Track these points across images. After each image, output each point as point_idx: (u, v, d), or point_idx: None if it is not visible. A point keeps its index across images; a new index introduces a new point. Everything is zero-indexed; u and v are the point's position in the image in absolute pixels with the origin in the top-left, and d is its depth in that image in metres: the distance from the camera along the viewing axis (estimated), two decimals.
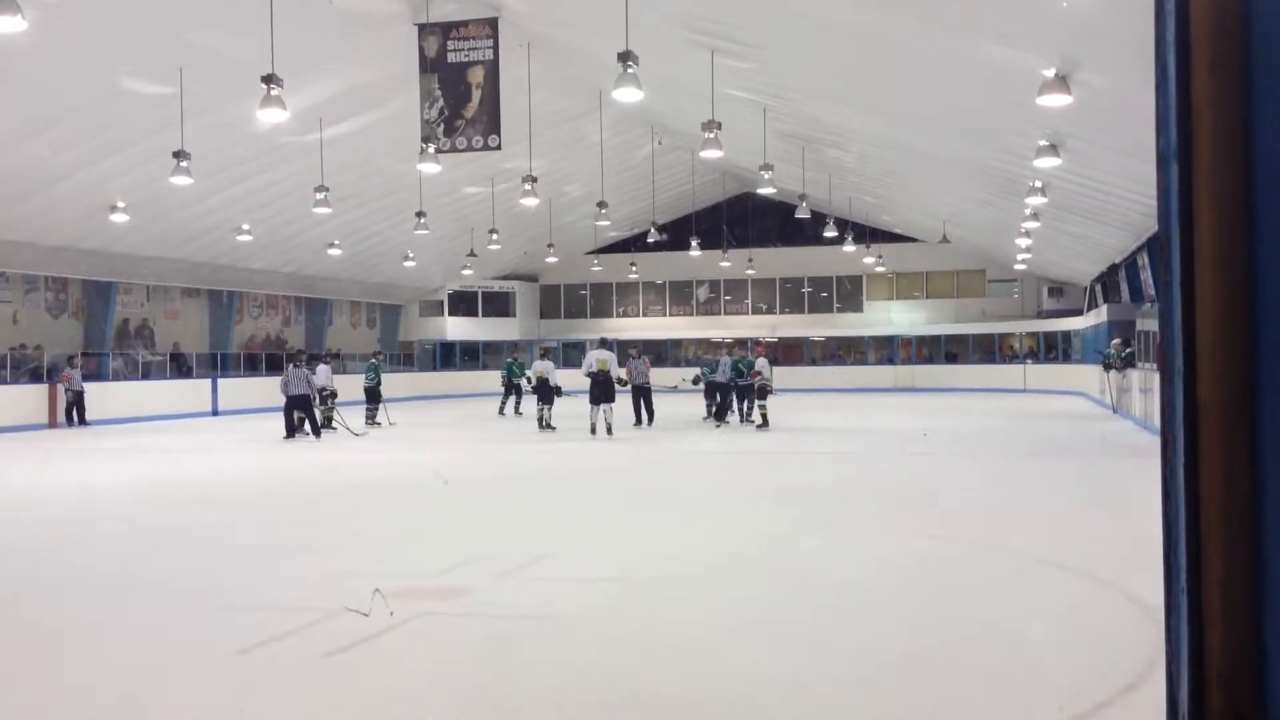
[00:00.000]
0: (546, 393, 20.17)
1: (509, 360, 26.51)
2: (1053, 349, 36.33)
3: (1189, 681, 1.58)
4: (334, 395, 20.60)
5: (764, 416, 19.59)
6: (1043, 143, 15.51)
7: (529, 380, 23.41)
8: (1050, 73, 12.10)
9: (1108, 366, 23.58)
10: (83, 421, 23.16)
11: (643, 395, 20.34)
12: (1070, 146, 15.77)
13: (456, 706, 4.47)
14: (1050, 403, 28.08)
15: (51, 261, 25.12)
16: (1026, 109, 13.44)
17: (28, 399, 23.02)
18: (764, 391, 19.88)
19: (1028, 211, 22.19)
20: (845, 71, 16.87)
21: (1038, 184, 19.01)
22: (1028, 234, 26.26)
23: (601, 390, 18.06)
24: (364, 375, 22.87)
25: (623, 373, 18.88)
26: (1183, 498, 1.57)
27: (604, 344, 19.92)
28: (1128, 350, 22.39)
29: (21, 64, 15.34)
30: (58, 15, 14.26)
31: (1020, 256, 32.37)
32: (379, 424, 21.60)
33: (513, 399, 25.30)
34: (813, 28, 14.64)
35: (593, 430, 18.16)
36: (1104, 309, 27.69)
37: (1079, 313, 34.69)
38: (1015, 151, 17.40)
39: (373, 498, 11.51)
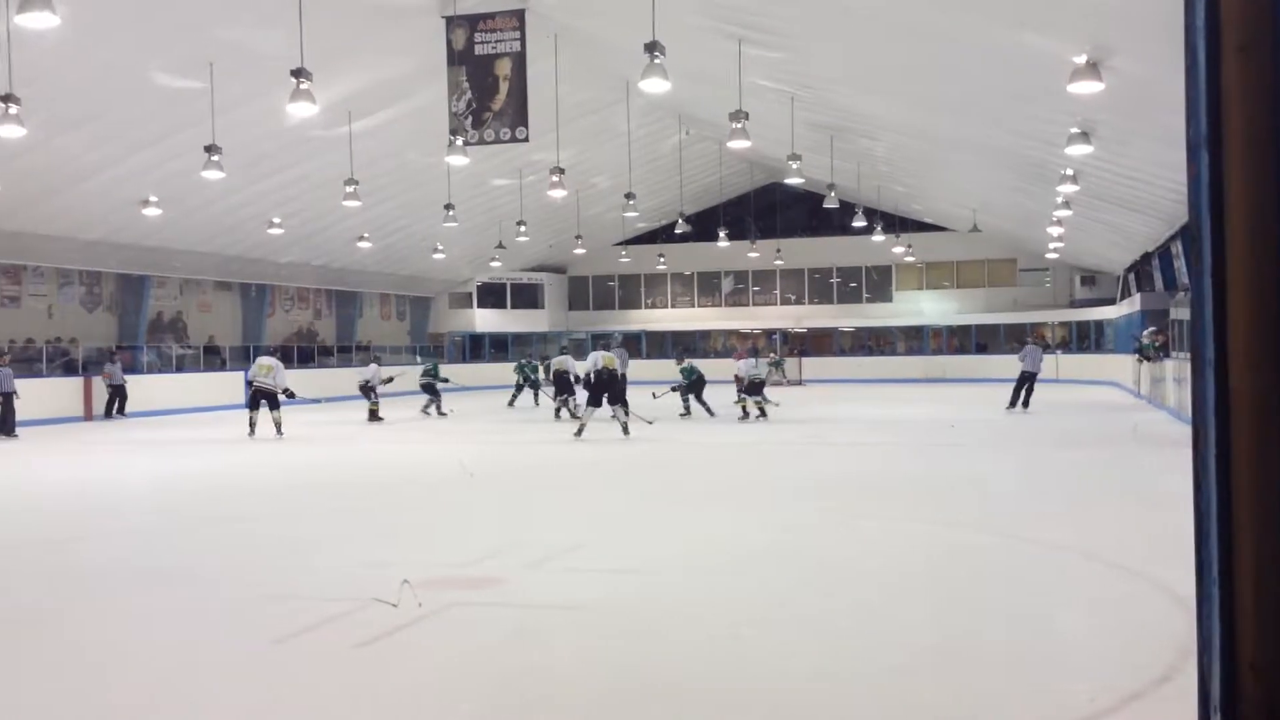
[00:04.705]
0: (565, 386, 20.75)
1: (522, 361, 26.58)
2: (1086, 338, 36.03)
3: (1221, 673, 1.56)
4: (374, 389, 21.81)
5: (744, 409, 19.70)
6: (1074, 130, 15.36)
7: (543, 378, 24.75)
8: (1081, 59, 11.98)
9: (1143, 357, 23.34)
10: (122, 414, 23.49)
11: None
12: (1102, 134, 15.61)
13: (485, 696, 4.49)
14: (1083, 393, 27.85)
15: (85, 256, 25.39)
16: (1057, 96, 13.31)
17: (63, 392, 23.30)
18: (754, 387, 19.82)
19: (1059, 199, 22.00)
20: (875, 60, 16.77)
21: (1069, 172, 18.85)
22: (1059, 222, 26.02)
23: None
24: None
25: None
26: (1214, 489, 1.55)
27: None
28: (1160, 340, 22.17)
29: (54, 60, 15.48)
30: (88, 11, 14.37)
31: (1052, 245, 32.09)
32: (429, 414, 22.77)
33: (531, 393, 25.54)
34: (842, 16, 14.55)
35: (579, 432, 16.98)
36: (1137, 298, 27.43)
37: (1112, 302, 34.38)
38: (1046, 139, 17.24)
39: (402, 490, 11.58)
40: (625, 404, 18.69)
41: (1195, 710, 1.64)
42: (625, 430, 16.71)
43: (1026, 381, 21.65)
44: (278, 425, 17.68)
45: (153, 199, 22.06)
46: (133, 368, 25.70)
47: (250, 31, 16.37)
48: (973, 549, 7.65)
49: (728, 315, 42.10)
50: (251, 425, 17.82)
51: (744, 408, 19.71)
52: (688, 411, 21.09)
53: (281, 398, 17.87)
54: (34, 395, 22.33)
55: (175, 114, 18.47)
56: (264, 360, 18.27)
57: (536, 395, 25.26)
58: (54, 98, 16.32)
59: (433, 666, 4.88)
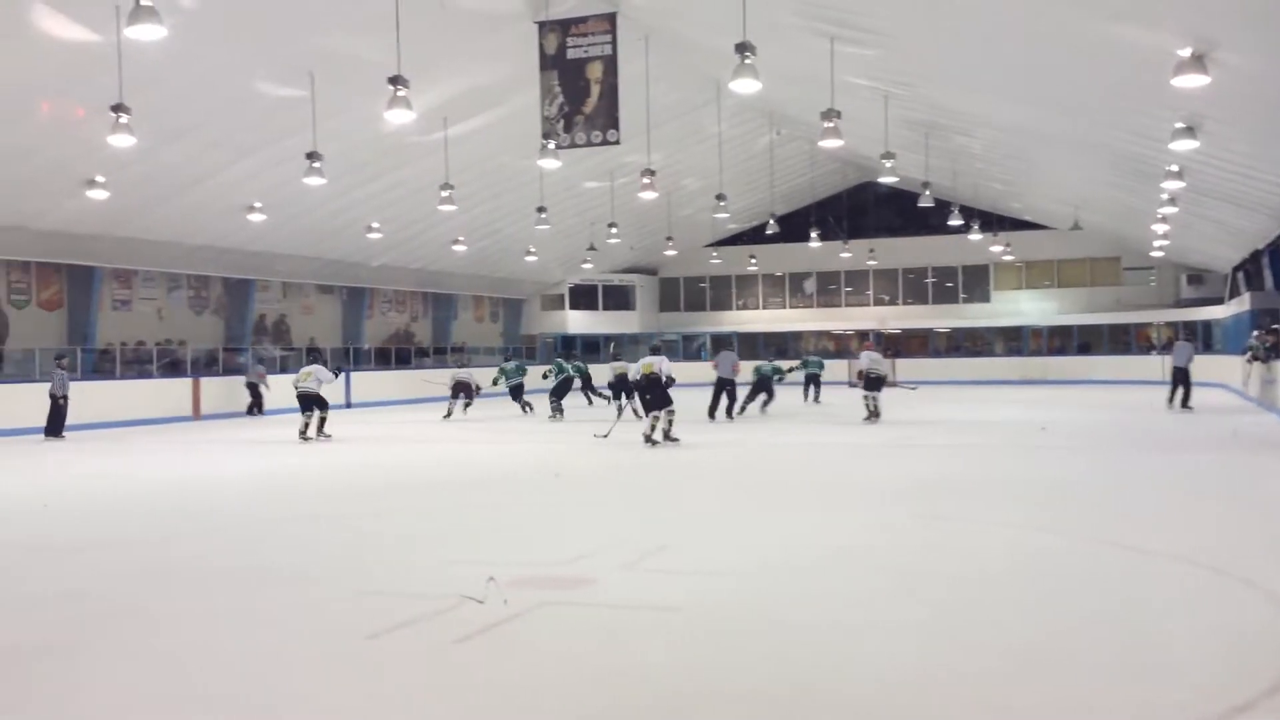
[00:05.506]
0: (626, 388, 20.78)
1: (560, 361, 25.56)
2: (1193, 339, 34.92)
3: None
4: (477, 389, 23.46)
5: (868, 408, 19.61)
6: (1179, 125, 14.91)
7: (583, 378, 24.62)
8: (1186, 52, 11.62)
9: (1254, 358, 22.56)
10: (260, 412, 24.82)
11: (725, 388, 20.77)
12: (1208, 129, 15.12)
13: (575, 694, 4.54)
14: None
15: (193, 260, 26.24)
16: (1161, 90, 12.93)
17: (172, 392, 24.13)
18: (874, 382, 19.73)
19: (1164, 196, 21.37)
20: (972, 56, 16.48)
21: (1174, 168, 18.30)
22: (1164, 219, 25.26)
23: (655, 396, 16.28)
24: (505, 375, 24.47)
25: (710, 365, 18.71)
26: None
27: (655, 350, 18.31)
28: (1271, 340, 21.41)
29: (162, 71, 16.03)
30: (193, 23, 14.87)
31: (1157, 243, 31.17)
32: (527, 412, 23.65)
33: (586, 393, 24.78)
34: (937, 13, 14.35)
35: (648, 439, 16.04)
36: (1246, 297, 26.53)
37: (1220, 301, 33.26)
38: (1150, 134, 16.76)
39: (493, 489, 11.70)
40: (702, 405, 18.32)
41: None
42: (666, 436, 15.69)
43: (1180, 378, 21.61)
44: (320, 424, 18.13)
45: (257, 205, 22.72)
46: (239, 369, 26.41)
47: (349, 40, 16.75)
48: (1066, 553, 7.49)
49: (820, 316, 41.76)
50: (305, 429, 18.12)
51: (867, 406, 19.64)
52: (742, 410, 21.38)
53: (329, 389, 18.64)
54: (144, 395, 23.34)
55: (277, 122, 18.99)
56: (306, 368, 18.89)
57: (557, 404, 22.81)
58: (162, 108, 16.88)
59: (526, 663, 4.95)
